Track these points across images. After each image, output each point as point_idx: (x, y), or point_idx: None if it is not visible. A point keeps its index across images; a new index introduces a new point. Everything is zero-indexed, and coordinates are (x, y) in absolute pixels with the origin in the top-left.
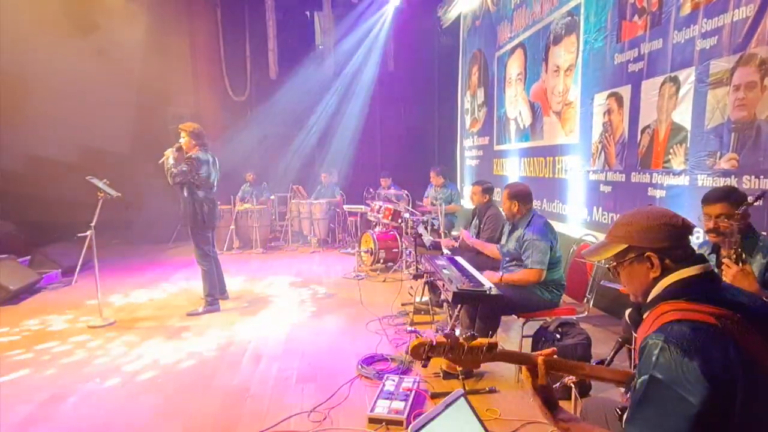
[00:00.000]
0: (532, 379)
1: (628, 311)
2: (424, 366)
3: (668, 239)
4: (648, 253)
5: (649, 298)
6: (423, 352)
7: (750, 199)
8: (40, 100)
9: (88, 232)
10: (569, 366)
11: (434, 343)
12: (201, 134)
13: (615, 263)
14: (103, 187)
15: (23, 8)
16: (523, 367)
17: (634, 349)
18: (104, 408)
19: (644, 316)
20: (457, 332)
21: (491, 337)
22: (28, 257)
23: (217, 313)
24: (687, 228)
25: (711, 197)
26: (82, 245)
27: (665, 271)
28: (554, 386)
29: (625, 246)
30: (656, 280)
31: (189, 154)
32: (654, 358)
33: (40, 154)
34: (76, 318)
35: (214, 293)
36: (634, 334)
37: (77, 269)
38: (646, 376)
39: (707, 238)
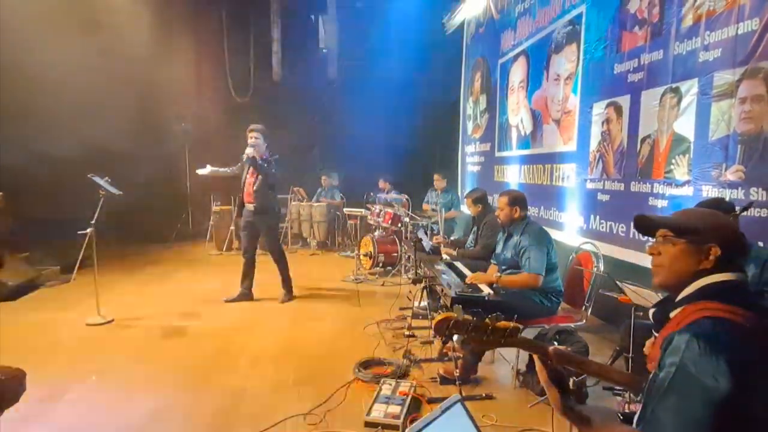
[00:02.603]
0: (546, 371)
1: (652, 310)
2: (444, 343)
3: (732, 244)
4: (711, 245)
5: (682, 296)
6: (447, 328)
7: (737, 209)
8: (44, 98)
9: (88, 230)
10: (578, 360)
11: (458, 320)
12: (267, 135)
13: (671, 235)
14: (104, 185)
15: (27, 6)
16: (536, 358)
17: (631, 358)
18: (100, 407)
19: (671, 315)
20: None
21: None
22: (28, 253)
23: (215, 314)
24: (743, 242)
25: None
26: (83, 243)
27: (711, 269)
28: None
29: (694, 226)
30: (698, 274)
31: (273, 155)
32: (682, 350)
33: (43, 151)
34: (74, 315)
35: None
36: (655, 333)
37: (76, 266)
38: (671, 368)
39: None
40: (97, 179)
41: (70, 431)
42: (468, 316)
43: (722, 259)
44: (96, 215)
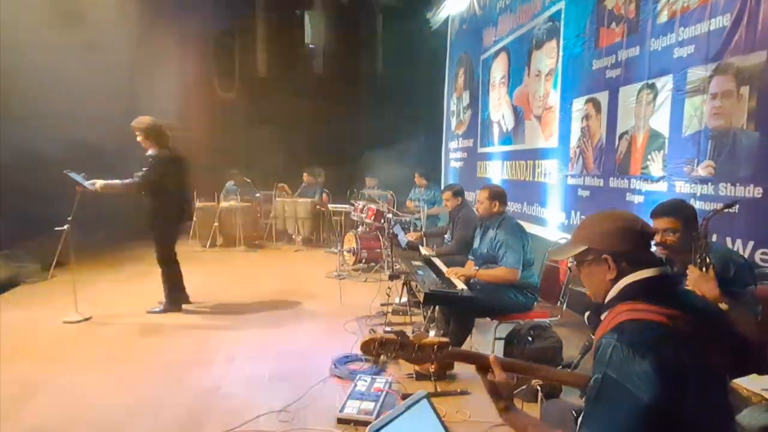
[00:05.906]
0: (484, 379)
1: (587, 313)
2: (374, 363)
3: (625, 243)
4: (605, 256)
5: (607, 299)
6: (373, 348)
7: (719, 206)
8: (27, 93)
9: (65, 227)
10: (524, 367)
11: (384, 340)
12: (159, 130)
13: (576, 263)
14: (80, 181)
15: (9, 2)
16: (476, 369)
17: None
18: (73, 404)
19: (602, 317)
20: (432, 333)
21: (466, 338)
22: (8, 251)
23: (193, 311)
24: (645, 233)
25: (658, 211)
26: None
27: (621, 273)
28: (521, 389)
29: (585, 247)
30: (613, 281)
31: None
32: (607, 357)
33: (25, 147)
34: (51, 313)
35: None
36: (591, 335)
37: (53, 263)
38: (599, 375)
39: (657, 252)
40: (74, 175)
41: (43, 429)
42: (392, 336)
43: (620, 262)
44: (73, 211)
